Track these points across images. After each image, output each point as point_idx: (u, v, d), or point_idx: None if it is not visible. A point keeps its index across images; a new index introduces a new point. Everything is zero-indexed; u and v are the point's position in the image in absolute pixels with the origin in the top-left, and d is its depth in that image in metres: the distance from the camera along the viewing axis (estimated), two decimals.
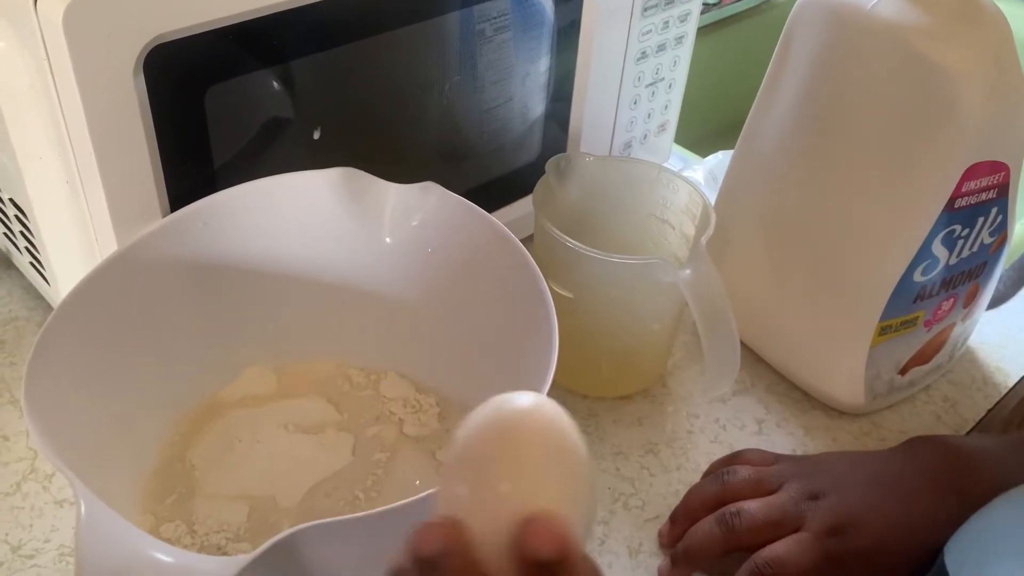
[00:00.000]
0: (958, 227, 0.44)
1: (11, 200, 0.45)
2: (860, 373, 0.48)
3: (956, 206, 0.43)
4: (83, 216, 0.40)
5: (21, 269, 0.51)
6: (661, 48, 0.61)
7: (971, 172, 0.42)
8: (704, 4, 1.00)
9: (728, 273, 0.52)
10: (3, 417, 0.47)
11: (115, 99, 0.36)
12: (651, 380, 0.52)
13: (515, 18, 0.50)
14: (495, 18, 0.49)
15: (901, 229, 0.43)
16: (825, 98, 0.45)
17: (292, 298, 0.44)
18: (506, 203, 0.57)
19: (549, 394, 0.50)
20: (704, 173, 0.65)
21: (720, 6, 1.02)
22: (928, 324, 0.48)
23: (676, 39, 0.62)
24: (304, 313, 0.45)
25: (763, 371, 0.54)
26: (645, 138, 0.65)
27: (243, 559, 0.27)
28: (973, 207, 0.43)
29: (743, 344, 0.54)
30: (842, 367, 0.49)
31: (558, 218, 0.49)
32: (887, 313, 0.46)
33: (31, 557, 0.41)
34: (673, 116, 0.67)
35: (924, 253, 0.44)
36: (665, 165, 0.69)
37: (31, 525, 0.42)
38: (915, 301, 0.46)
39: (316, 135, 0.45)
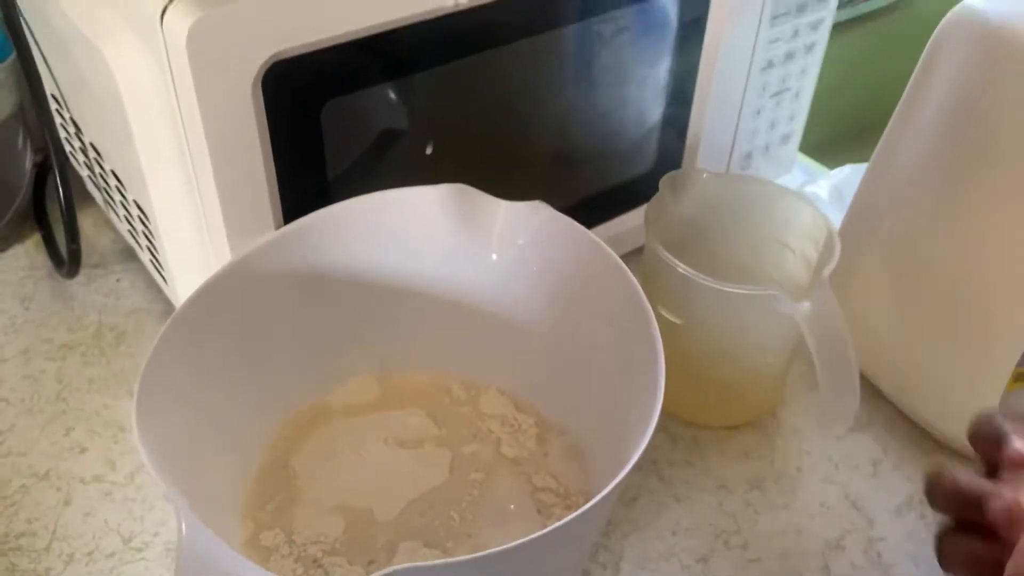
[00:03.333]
0: None
1: (135, 202, 0.46)
2: None
3: None
4: (199, 224, 0.41)
5: (144, 264, 0.53)
6: (789, 57, 0.58)
7: None
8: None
9: (852, 300, 0.50)
10: (123, 408, 0.49)
11: (233, 113, 0.36)
12: (761, 411, 0.49)
13: (635, 20, 0.49)
14: (614, 20, 0.48)
15: None
16: (972, 123, 0.42)
17: (397, 310, 0.44)
18: (620, 213, 0.56)
19: None
20: (829, 189, 0.62)
21: (853, 4, 0.96)
22: None
23: (806, 47, 0.59)
24: (408, 325, 0.45)
25: (882, 407, 0.51)
26: (768, 149, 0.63)
27: None
28: None
29: (862, 376, 0.51)
30: (969, 410, 0.46)
31: (670, 236, 0.47)
32: None
33: (140, 550, 0.42)
34: (798, 126, 0.63)
35: None
36: (787, 181, 0.66)
37: (142, 518, 0.44)
38: None
39: (429, 150, 0.44)
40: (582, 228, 0.41)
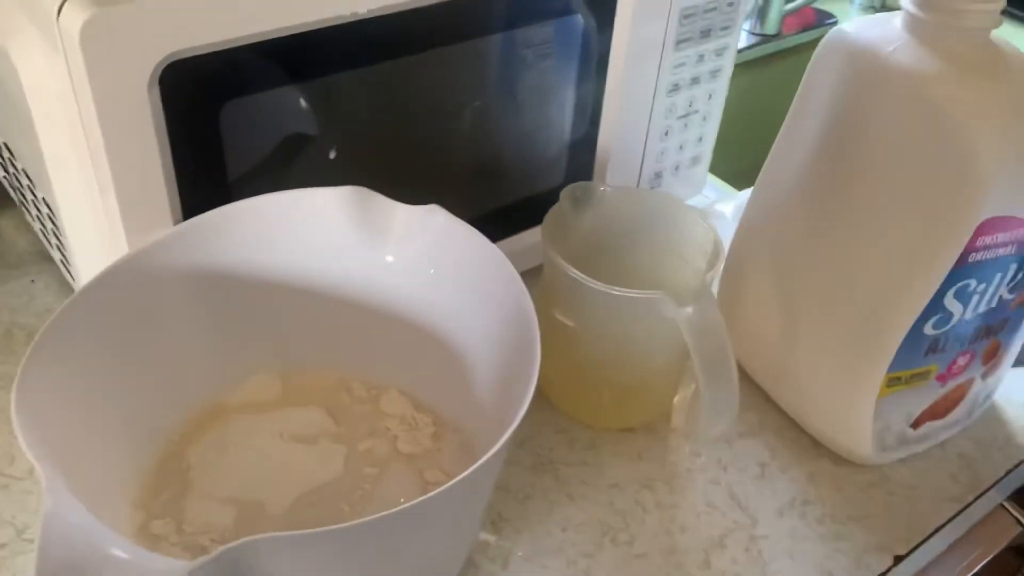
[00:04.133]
0: (973, 282, 0.43)
1: (44, 199, 0.47)
2: (868, 423, 0.47)
3: (970, 260, 0.41)
4: (100, 222, 0.42)
5: (58, 265, 0.54)
6: (695, 81, 0.61)
7: (986, 227, 0.40)
8: (762, 36, 1.00)
9: (744, 311, 0.52)
10: None
11: (130, 111, 0.38)
12: (655, 414, 0.51)
13: (542, 38, 0.51)
14: (522, 36, 0.50)
15: (911, 280, 0.42)
16: (841, 142, 0.44)
17: (299, 309, 0.46)
18: (531, 226, 0.58)
19: (548, 420, 0.50)
20: (733, 208, 0.65)
21: (779, 37, 1.01)
22: (942, 378, 0.47)
23: (711, 72, 0.62)
24: (310, 325, 0.46)
25: (774, 414, 0.53)
26: (677, 169, 0.65)
27: (193, 563, 0.28)
28: (990, 262, 0.42)
29: (756, 385, 0.53)
30: (850, 416, 0.48)
31: (572, 247, 0.49)
32: (896, 364, 0.45)
33: (33, 541, 0.43)
34: (707, 148, 0.66)
35: (935, 306, 0.43)
36: (698, 200, 0.69)
37: (37, 510, 0.44)
38: (926, 354, 0.45)
39: (332, 155, 0.46)
40: (476, 232, 0.43)
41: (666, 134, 0.62)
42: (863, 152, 0.43)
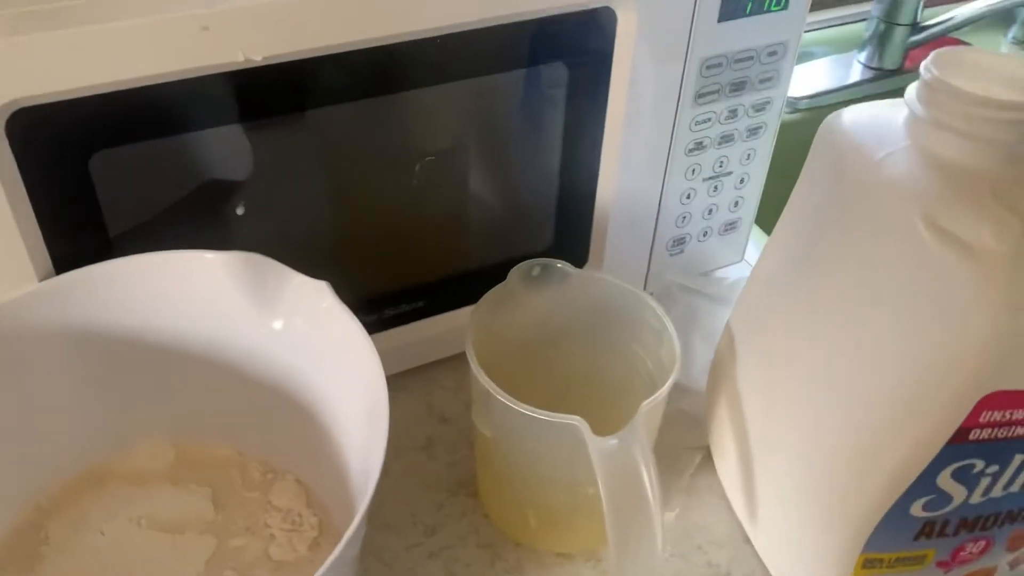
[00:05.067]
0: (979, 463, 0.32)
1: None
2: None
3: (971, 438, 0.31)
4: None
5: None
6: (727, 139, 0.52)
7: (993, 400, 0.30)
8: (878, 70, 0.86)
9: (722, 415, 0.43)
10: None
11: None
12: (594, 542, 0.43)
13: (493, 89, 0.43)
14: (460, 87, 0.42)
15: (890, 451, 0.33)
16: (826, 248, 0.35)
17: (183, 375, 0.41)
18: None
19: (475, 529, 0.44)
20: None
21: (901, 73, 0.87)
22: (945, 565, 0.37)
23: (749, 130, 0.52)
24: (201, 392, 0.42)
25: (748, 556, 0.43)
26: (706, 235, 0.56)
27: None
28: (1002, 442, 0.32)
29: (734, 514, 0.45)
30: None
31: (518, 331, 0.42)
32: (874, 545, 0.35)
33: None
34: (747, 213, 0.57)
35: (925, 486, 0.33)
36: (730, 267, 0.59)
37: None
38: (917, 538, 0.35)
39: (240, 211, 0.41)
40: (353, 318, 0.37)
41: (688, 197, 0.53)
42: (848, 267, 0.34)
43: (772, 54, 0.49)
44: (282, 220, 0.42)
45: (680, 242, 0.55)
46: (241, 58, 0.36)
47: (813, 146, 0.36)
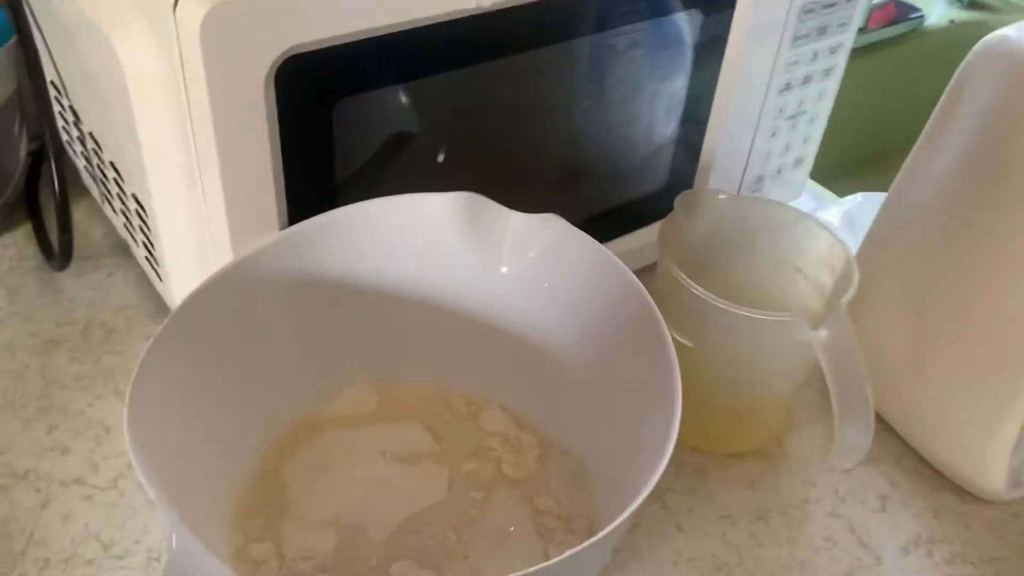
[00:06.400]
0: None
1: (133, 196, 0.45)
2: (1004, 458, 0.44)
3: None
4: (200, 221, 0.39)
5: (137, 259, 0.51)
6: (807, 80, 0.57)
7: None
8: None
9: (864, 332, 0.48)
10: (108, 408, 0.47)
11: (244, 107, 0.35)
12: (767, 440, 0.48)
13: (654, 36, 0.47)
14: (633, 34, 0.47)
15: None
16: (998, 155, 0.41)
17: (399, 319, 0.43)
18: (629, 231, 0.55)
19: None
20: (841, 216, 0.61)
21: (865, 31, 0.96)
22: None
23: (824, 71, 0.58)
24: (410, 335, 0.44)
25: (892, 442, 0.49)
26: (780, 172, 0.62)
27: None
28: None
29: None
30: (983, 450, 0.45)
31: (682, 256, 0.46)
32: None
33: (121, 558, 0.41)
34: (811, 151, 0.63)
35: None
36: (797, 204, 0.65)
37: (123, 524, 0.42)
38: None
39: (441, 157, 0.43)
40: (596, 243, 0.40)
41: (773, 135, 0.58)
42: (1021, 175, 0.40)
43: (850, 0, 0.55)
44: (477, 164, 0.45)
45: (760, 179, 0.61)
46: (473, 4, 0.38)
47: (967, 69, 0.42)
